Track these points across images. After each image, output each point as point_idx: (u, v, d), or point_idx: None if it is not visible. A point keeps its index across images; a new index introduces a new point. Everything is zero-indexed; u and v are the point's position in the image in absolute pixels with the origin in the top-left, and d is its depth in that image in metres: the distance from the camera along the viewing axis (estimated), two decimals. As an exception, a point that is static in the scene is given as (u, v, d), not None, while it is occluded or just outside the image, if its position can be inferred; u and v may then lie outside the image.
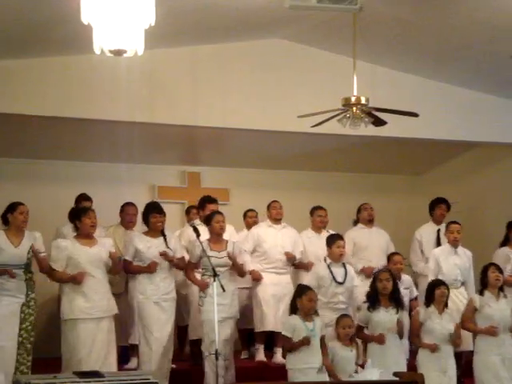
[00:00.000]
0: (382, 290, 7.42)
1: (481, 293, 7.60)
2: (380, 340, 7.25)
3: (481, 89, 9.75)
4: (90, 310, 7.19)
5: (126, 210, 8.85)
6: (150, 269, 7.62)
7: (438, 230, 9.31)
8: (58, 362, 7.35)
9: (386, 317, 7.35)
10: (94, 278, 7.23)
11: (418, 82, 9.55)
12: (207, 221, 7.96)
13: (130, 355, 8.44)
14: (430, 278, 8.32)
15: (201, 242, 7.54)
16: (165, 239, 7.77)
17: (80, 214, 7.46)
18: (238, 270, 7.93)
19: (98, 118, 8.48)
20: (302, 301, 7.12)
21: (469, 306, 7.66)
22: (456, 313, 7.76)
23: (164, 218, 7.81)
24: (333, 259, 7.98)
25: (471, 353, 7.75)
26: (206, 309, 7.54)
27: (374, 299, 7.43)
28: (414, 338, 7.54)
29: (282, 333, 7.19)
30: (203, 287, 7.63)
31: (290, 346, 7.03)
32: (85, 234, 7.38)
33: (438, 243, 9.16)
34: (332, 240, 8.07)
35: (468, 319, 7.58)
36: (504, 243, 9.19)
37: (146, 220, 7.85)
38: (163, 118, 8.70)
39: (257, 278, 8.68)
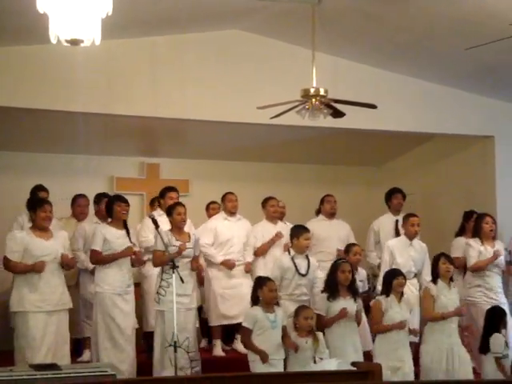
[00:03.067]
0: (344, 282, 7.46)
1: (434, 282, 7.68)
2: (343, 314, 7.28)
3: (438, 81, 9.82)
4: (40, 303, 7.15)
5: (78, 201, 8.83)
6: (125, 253, 7.58)
7: (396, 221, 9.37)
8: (11, 354, 7.28)
9: (345, 305, 7.39)
10: (46, 270, 7.17)
11: (376, 74, 9.59)
12: (168, 212, 7.92)
13: (83, 348, 8.40)
14: (384, 268, 8.39)
15: (161, 234, 7.48)
16: (127, 233, 7.74)
17: (35, 206, 7.39)
18: (195, 262, 7.90)
19: (55, 109, 8.38)
20: (263, 292, 7.12)
21: (426, 295, 7.69)
22: (407, 299, 7.80)
23: (128, 208, 7.79)
24: (298, 251, 7.98)
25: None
26: (168, 299, 7.46)
27: (333, 289, 7.46)
28: (377, 326, 7.55)
29: (243, 324, 7.16)
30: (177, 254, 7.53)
31: (249, 345, 7.03)
32: (39, 227, 7.31)
33: (397, 234, 9.22)
34: (299, 232, 8.04)
35: (429, 309, 7.61)
36: (460, 233, 9.29)
37: (109, 210, 7.80)
38: (121, 109, 8.63)
39: (230, 266, 8.67)
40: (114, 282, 7.60)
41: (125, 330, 7.59)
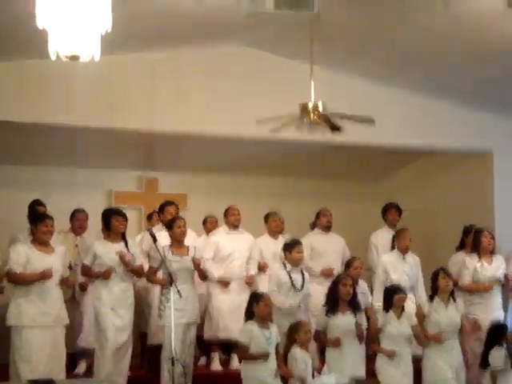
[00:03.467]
0: (345, 296, 7.43)
1: (431, 299, 7.65)
2: (336, 344, 7.26)
3: (437, 96, 9.83)
4: (38, 318, 7.14)
5: (77, 216, 8.83)
6: (105, 275, 7.56)
7: (393, 235, 9.39)
8: (6, 368, 7.27)
9: (344, 321, 7.37)
10: (45, 286, 7.17)
11: (374, 89, 9.62)
12: (168, 226, 7.92)
13: (78, 359, 8.38)
14: (378, 283, 8.39)
15: (157, 248, 7.48)
16: (126, 244, 7.73)
17: (37, 220, 7.39)
18: (200, 274, 7.89)
19: (54, 123, 8.40)
20: (258, 307, 7.09)
21: (418, 312, 7.70)
22: (409, 314, 7.77)
23: (126, 223, 7.80)
24: (292, 264, 7.98)
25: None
26: (167, 313, 7.45)
27: (333, 303, 7.43)
28: (372, 343, 7.55)
29: (239, 340, 7.14)
30: (163, 283, 7.55)
31: (246, 356, 6.99)
32: (40, 241, 7.31)
33: (393, 248, 9.23)
34: (292, 245, 8.06)
35: (420, 325, 7.60)
36: (460, 248, 9.28)
37: (107, 223, 7.81)
38: (120, 123, 8.65)
39: (225, 285, 8.67)
40: (106, 297, 7.59)
41: (114, 346, 7.53)
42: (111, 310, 7.57)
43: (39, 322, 7.14)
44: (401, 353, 7.41)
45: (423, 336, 7.50)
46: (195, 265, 7.78)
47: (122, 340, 7.60)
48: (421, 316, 7.59)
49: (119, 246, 7.71)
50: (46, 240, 7.33)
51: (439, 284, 7.61)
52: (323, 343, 7.45)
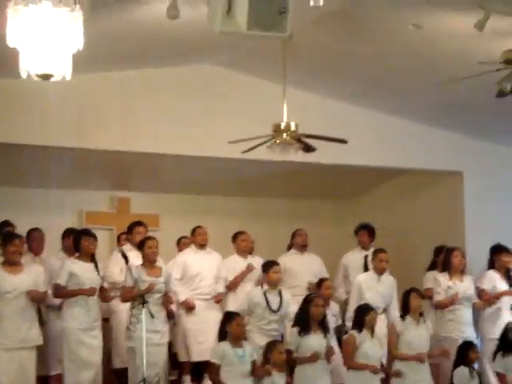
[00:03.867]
0: (317, 316, 7.41)
1: (402, 318, 7.66)
2: (313, 359, 7.21)
3: (409, 117, 9.92)
4: (2, 340, 7.04)
5: (33, 235, 8.64)
6: (90, 292, 7.50)
7: (366, 256, 9.42)
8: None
9: (316, 341, 7.35)
10: (10, 307, 7.09)
11: (347, 109, 9.68)
12: (140, 246, 7.88)
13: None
14: (352, 304, 8.40)
15: (130, 269, 7.43)
16: (96, 266, 7.69)
17: (5, 240, 7.32)
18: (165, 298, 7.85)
19: (25, 143, 8.34)
20: (231, 326, 7.07)
21: (391, 331, 7.71)
22: (379, 336, 7.77)
23: (96, 243, 7.75)
24: (270, 285, 7.95)
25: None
26: (137, 335, 7.42)
27: (305, 324, 7.40)
28: (350, 362, 7.51)
29: (211, 359, 7.09)
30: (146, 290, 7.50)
31: (216, 377, 6.92)
32: (9, 261, 7.23)
33: (366, 269, 9.25)
34: (268, 266, 8.05)
35: (394, 345, 7.61)
36: (431, 267, 9.32)
37: (77, 244, 7.76)
38: (93, 143, 8.61)
39: (190, 308, 8.61)
40: (79, 317, 7.53)
41: (92, 365, 7.49)
42: (84, 330, 7.53)
43: (4, 344, 7.04)
44: (371, 374, 7.39)
45: (392, 355, 7.50)
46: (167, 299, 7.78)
47: (98, 360, 7.56)
48: (394, 335, 7.60)
49: (90, 266, 7.66)
50: (15, 260, 7.24)
51: (411, 304, 7.63)
52: (298, 362, 7.39)
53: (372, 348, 7.43)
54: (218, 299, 8.85)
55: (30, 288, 7.21)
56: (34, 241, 8.65)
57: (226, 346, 7.02)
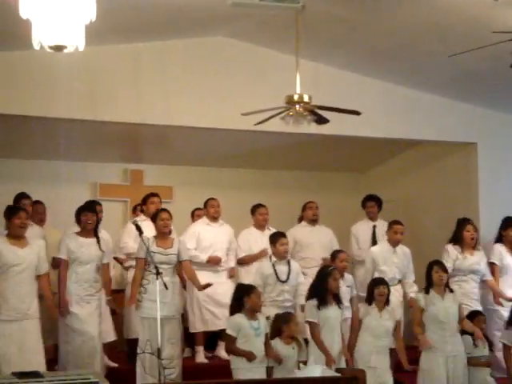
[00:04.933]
0: (334, 289, 7.40)
1: (426, 291, 7.59)
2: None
3: (422, 88, 9.86)
4: (7, 312, 7.09)
5: (35, 208, 8.66)
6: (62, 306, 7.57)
7: (374, 227, 9.44)
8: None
9: (333, 313, 7.34)
10: (15, 279, 7.13)
11: (359, 81, 9.62)
12: (153, 218, 7.92)
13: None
14: (366, 275, 8.45)
15: (143, 240, 7.45)
16: (98, 241, 7.73)
17: (10, 213, 7.33)
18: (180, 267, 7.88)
19: (38, 115, 8.34)
20: (250, 299, 7.05)
21: (415, 307, 7.63)
22: (393, 309, 7.78)
23: (94, 217, 7.75)
24: (277, 257, 8.00)
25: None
26: (144, 305, 7.49)
27: (323, 296, 7.37)
28: (355, 334, 7.57)
29: (227, 331, 7.07)
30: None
31: (233, 349, 6.97)
32: (14, 235, 7.26)
33: (374, 240, 9.27)
34: (275, 238, 8.09)
35: (417, 321, 7.52)
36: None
37: (78, 219, 7.80)
38: (105, 116, 8.59)
39: (218, 261, 8.71)
40: (72, 291, 7.60)
41: (86, 335, 7.56)
42: (76, 303, 7.60)
43: (8, 315, 7.09)
44: (379, 346, 7.41)
45: (418, 334, 7.45)
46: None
47: (91, 331, 7.60)
48: (418, 310, 7.54)
49: (91, 241, 7.71)
50: (19, 233, 7.26)
51: (433, 277, 7.56)
52: (316, 337, 7.37)
53: (376, 321, 7.43)
54: (232, 274, 8.92)
55: (33, 262, 7.23)
56: (38, 214, 8.69)
57: (241, 318, 7.02)
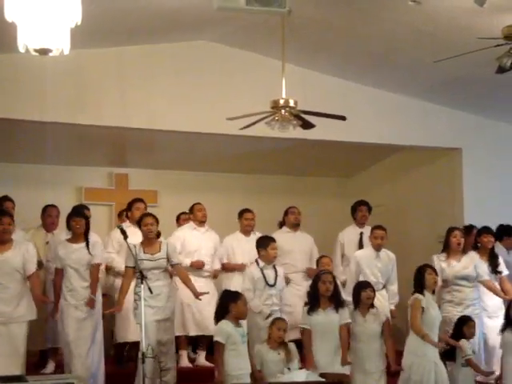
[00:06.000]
0: (325, 292, 7.36)
1: (421, 293, 7.43)
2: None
3: (408, 93, 9.89)
4: None
5: (48, 211, 8.68)
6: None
7: (361, 233, 9.43)
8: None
9: (325, 318, 7.32)
10: (2, 282, 7.12)
11: (345, 86, 9.64)
12: (139, 223, 7.88)
13: (48, 359, 8.40)
14: (351, 280, 8.42)
15: (128, 245, 7.42)
16: (87, 244, 7.72)
17: None
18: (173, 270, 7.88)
19: (22, 119, 8.30)
20: (237, 306, 7.00)
21: (415, 306, 7.41)
22: (377, 311, 7.74)
23: (83, 222, 7.74)
24: (266, 261, 8.00)
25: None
26: (139, 312, 7.46)
27: (314, 301, 7.38)
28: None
29: (216, 339, 6.95)
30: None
31: (219, 361, 6.90)
32: None
33: (361, 246, 9.27)
34: (266, 242, 8.08)
35: (417, 321, 7.34)
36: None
37: (68, 225, 7.81)
38: (90, 119, 8.57)
39: (200, 266, 8.69)
40: (67, 297, 7.63)
41: (84, 339, 7.59)
42: (75, 308, 7.61)
43: None
44: (366, 350, 7.39)
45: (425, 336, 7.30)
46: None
47: (86, 335, 7.62)
48: (419, 311, 7.34)
49: (80, 246, 7.71)
50: (3, 238, 7.22)
51: (426, 280, 7.46)
52: (305, 341, 7.36)
53: (361, 325, 7.42)
54: (215, 275, 8.94)
55: (17, 265, 7.21)
56: (50, 217, 8.64)
57: (228, 325, 6.96)
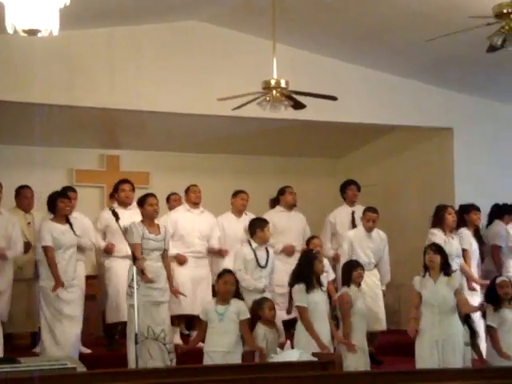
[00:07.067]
0: (320, 272, 7.37)
1: (424, 274, 7.29)
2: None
3: (399, 73, 9.87)
4: None
5: (23, 193, 8.68)
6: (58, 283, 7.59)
7: (353, 212, 9.44)
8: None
9: (321, 297, 7.33)
10: None
11: (337, 66, 9.62)
12: (140, 203, 7.85)
13: (39, 339, 8.40)
14: (343, 259, 8.45)
15: (120, 226, 7.39)
16: (70, 226, 7.77)
17: None
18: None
19: (13, 100, 8.27)
20: (218, 284, 7.15)
21: (411, 291, 7.35)
22: (369, 293, 7.78)
23: (72, 204, 7.79)
24: (259, 242, 7.99)
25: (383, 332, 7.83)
26: (140, 292, 7.47)
27: (310, 280, 7.31)
28: (347, 318, 7.49)
29: (200, 316, 7.15)
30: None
31: (201, 333, 7.05)
32: None
33: (353, 225, 9.28)
34: (260, 224, 8.08)
35: (413, 304, 7.28)
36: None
37: (52, 206, 7.79)
38: (80, 101, 8.55)
39: (182, 261, 8.67)
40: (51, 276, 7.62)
41: (73, 319, 7.66)
42: (62, 288, 7.62)
43: None
44: (354, 328, 7.43)
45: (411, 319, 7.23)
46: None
47: (78, 313, 7.69)
48: (414, 294, 7.24)
49: (66, 227, 7.74)
50: None
51: (425, 261, 7.28)
52: (306, 321, 7.36)
53: (362, 303, 7.45)
54: (225, 254, 8.92)
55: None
56: (26, 198, 8.64)
57: (210, 303, 7.10)
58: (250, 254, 7.95)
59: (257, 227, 8.06)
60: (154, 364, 7.21)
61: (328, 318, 7.39)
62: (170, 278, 7.77)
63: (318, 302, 7.29)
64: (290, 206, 9.45)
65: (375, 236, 8.72)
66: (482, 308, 7.40)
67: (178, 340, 8.63)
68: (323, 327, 7.28)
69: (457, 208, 9.09)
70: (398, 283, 9.50)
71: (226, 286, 7.12)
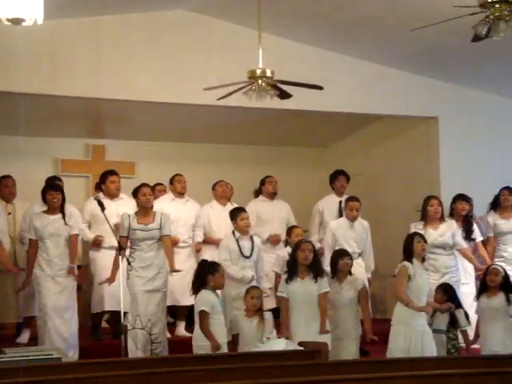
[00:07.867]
0: (303, 261, 7.29)
1: (409, 261, 7.20)
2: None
3: (384, 62, 9.88)
4: None
5: (4, 183, 8.68)
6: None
7: (340, 202, 9.45)
8: None
9: (302, 287, 7.29)
10: None
11: (322, 56, 9.62)
12: (134, 194, 7.87)
13: (23, 328, 8.45)
14: (327, 250, 8.47)
15: (105, 217, 7.39)
16: (63, 216, 7.74)
17: None
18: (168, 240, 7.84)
19: (-2, 90, 8.24)
20: (215, 278, 7.07)
21: (401, 273, 7.17)
22: (354, 279, 7.76)
23: (60, 195, 7.76)
24: (240, 232, 8.00)
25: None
26: (130, 282, 7.53)
27: (291, 270, 7.35)
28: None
29: (201, 308, 6.98)
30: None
31: (206, 330, 6.94)
32: None
33: (340, 214, 9.30)
34: (235, 213, 8.08)
35: (401, 288, 7.11)
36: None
37: (43, 197, 7.81)
38: (65, 90, 8.50)
39: (175, 243, 8.64)
40: (43, 266, 7.66)
41: (61, 308, 7.63)
42: (51, 278, 7.63)
43: None
44: (340, 317, 7.43)
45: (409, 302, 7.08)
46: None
47: (64, 304, 7.65)
48: (405, 278, 7.08)
49: (56, 217, 7.73)
50: None
51: (415, 247, 7.24)
52: (283, 311, 7.33)
53: (337, 293, 7.44)
54: (198, 248, 8.93)
55: None
56: (7, 187, 8.62)
57: (210, 294, 7.03)
58: (233, 244, 7.94)
59: (232, 218, 8.08)
60: (138, 354, 7.21)
61: (318, 308, 7.25)
62: (170, 261, 7.72)
63: (297, 291, 7.25)
64: (271, 195, 9.49)
65: (357, 225, 8.73)
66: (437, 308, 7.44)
67: (182, 332, 8.67)
68: (304, 317, 7.22)
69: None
70: (383, 272, 9.55)
71: (222, 279, 7.16)
